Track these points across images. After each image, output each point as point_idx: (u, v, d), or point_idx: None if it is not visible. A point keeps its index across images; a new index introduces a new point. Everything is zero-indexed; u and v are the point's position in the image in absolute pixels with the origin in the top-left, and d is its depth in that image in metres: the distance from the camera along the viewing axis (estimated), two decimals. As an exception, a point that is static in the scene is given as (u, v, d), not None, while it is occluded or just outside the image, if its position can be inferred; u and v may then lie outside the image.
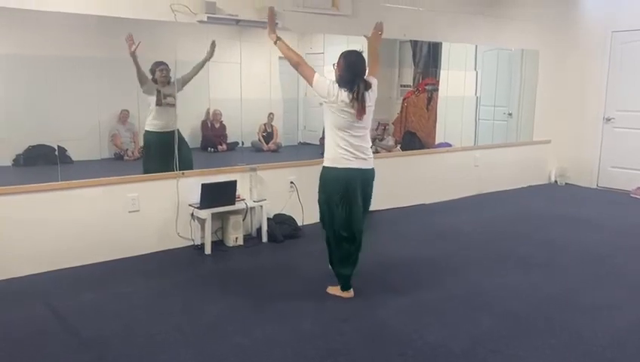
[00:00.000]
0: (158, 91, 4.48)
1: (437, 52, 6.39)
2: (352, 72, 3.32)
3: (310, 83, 3.41)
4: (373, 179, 3.49)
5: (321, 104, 3.44)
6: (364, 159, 3.39)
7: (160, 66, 4.46)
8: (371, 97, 3.39)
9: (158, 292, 3.63)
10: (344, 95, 3.29)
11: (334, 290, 3.59)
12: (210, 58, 4.62)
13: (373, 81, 3.45)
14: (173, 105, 4.51)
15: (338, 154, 3.34)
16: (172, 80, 4.50)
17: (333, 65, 3.47)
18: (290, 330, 3.09)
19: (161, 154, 4.50)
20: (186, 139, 4.69)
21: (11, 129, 4.00)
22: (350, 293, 3.55)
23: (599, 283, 3.88)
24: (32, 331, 3.05)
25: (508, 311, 3.37)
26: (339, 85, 3.33)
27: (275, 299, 3.51)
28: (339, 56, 3.44)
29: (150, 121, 4.54)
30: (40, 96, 4.04)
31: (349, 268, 3.52)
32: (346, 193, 3.36)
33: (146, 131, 4.57)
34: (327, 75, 5.36)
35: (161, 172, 4.44)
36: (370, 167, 3.45)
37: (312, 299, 3.50)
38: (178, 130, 4.53)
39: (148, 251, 4.35)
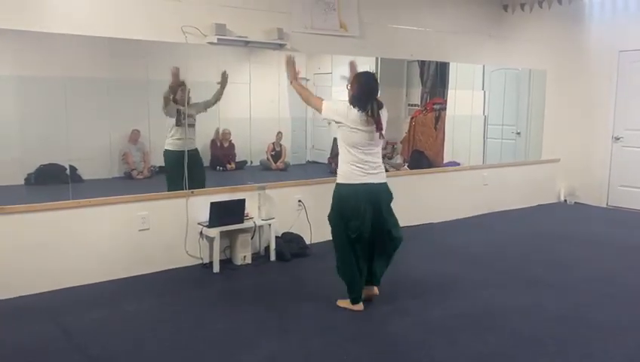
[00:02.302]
0: (178, 111, 4.55)
1: (444, 72, 6.43)
2: (365, 92, 3.43)
3: (320, 111, 3.53)
4: (386, 192, 3.57)
5: (329, 123, 3.51)
6: (376, 174, 3.49)
7: (182, 86, 4.54)
8: (384, 116, 3.49)
9: (166, 310, 3.63)
10: (354, 113, 3.39)
11: (344, 303, 3.63)
12: (224, 86, 4.74)
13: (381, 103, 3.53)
14: (193, 125, 4.64)
15: (351, 170, 3.44)
16: (191, 100, 4.59)
17: (347, 85, 3.56)
18: (297, 349, 3.08)
19: (180, 172, 4.55)
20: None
21: (23, 148, 4.06)
22: (360, 306, 3.59)
23: (610, 303, 3.83)
24: (41, 348, 3.06)
25: (517, 331, 3.34)
26: (352, 105, 3.43)
27: (282, 317, 3.51)
28: (353, 77, 3.55)
29: (169, 140, 4.62)
30: (52, 116, 4.11)
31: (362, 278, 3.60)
32: (359, 206, 3.43)
33: (166, 150, 4.64)
34: (335, 95, 5.47)
35: (181, 190, 4.50)
36: (383, 181, 3.53)
37: (319, 317, 3.49)
38: (196, 148, 4.70)
39: (157, 269, 4.37)
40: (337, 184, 3.54)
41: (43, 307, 3.65)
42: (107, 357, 2.97)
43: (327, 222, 3.64)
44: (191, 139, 4.66)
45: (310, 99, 3.64)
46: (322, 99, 3.56)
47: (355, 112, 3.40)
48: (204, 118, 4.76)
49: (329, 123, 3.54)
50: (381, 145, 3.58)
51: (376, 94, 3.48)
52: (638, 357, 3.05)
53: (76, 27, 3.93)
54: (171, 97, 4.52)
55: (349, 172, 3.46)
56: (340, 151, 3.54)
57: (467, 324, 3.43)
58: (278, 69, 5.07)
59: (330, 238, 3.69)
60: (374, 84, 3.50)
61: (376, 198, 3.50)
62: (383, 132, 3.46)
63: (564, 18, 7.20)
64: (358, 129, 3.40)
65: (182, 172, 4.53)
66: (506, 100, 7.10)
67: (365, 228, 3.47)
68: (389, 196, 3.60)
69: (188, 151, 4.58)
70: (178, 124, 4.56)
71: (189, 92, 4.54)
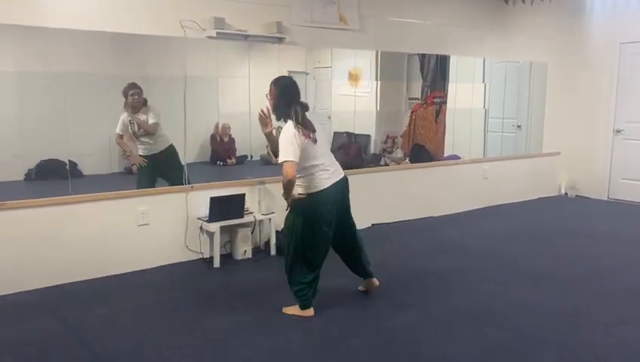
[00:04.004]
0: (130, 122, 4.40)
1: (445, 65, 6.41)
2: (286, 97, 3.29)
3: (295, 160, 3.21)
4: (347, 183, 3.51)
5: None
6: (335, 170, 3.42)
7: (132, 90, 4.30)
8: (313, 118, 3.37)
9: (167, 306, 3.63)
10: (297, 132, 3.21)
11: (292, 310, 3.47)
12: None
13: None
14: (152, 134, 4.46)
15: (317, 178, 3.32)
16: (147, 103, 4.39)
17: (266, 95, 3.39)
18: (299, 344, 3.08)
19: (152, 174, 4.55)
20: (196, 153, 4.74)
21: (24, 144, 4.05)
22: (312, 311, 3.44)
23: (611, 298, 3.83)
24: (42, 345, 3.06)
25: (518, 326, 3.33)
26: (277, 116, 3.33)
27: (283, 312, 3.50)
28: (270, 85, 3.37)
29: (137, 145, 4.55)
30: (51, 111, 4.10)
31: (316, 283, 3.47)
32: (330, 209, 3.36)
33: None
34: (335, 89, 5.44)
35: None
36: (342, 175, 3.47)
37: (320, 312, 3.48)
38: (172, 144, 4.55)
39: (157, 264, 4.37)
40: (306, 195, 3.33)
41: (43, 303, 3.65)
42: (109, 353, 2.97)
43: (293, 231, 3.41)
44: (157, 143, 4.53)
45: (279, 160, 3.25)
46: (285, 161, 3.18)
47: (294, 129, 3.21)
48: (203, 113, 4.75)
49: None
50: (328, 144, 3.44)
51: (299, 97, 3.33)
52: (639, 352, 3.05)
53: (75, 22, 3.92)
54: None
55: (314, 180, 3.31)
56: (297, 168, 3.24)
57: (468, 319, 3.43)
58: (277, 63, 5.05)
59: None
60: (294, 87, 3.35)
61: (343, 194, 3.48)
62: (315, 135, 3.28)
63: (564, 10, 7.17)
64: (302, 142, 3.21)
65: (148, 175, 4.51)
66: (506, 93, 7.08)
67: (332, 228, 3.42)
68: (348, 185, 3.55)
69: (155, 153, 4.53)
70: (135, 136, 4.45)
71: (141, 96, 4.34)
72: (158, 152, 4.56)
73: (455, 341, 3.13)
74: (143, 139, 4.50)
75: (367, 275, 3.77)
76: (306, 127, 3.25)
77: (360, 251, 3.70)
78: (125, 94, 4.32)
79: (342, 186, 3.46)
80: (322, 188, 3.34)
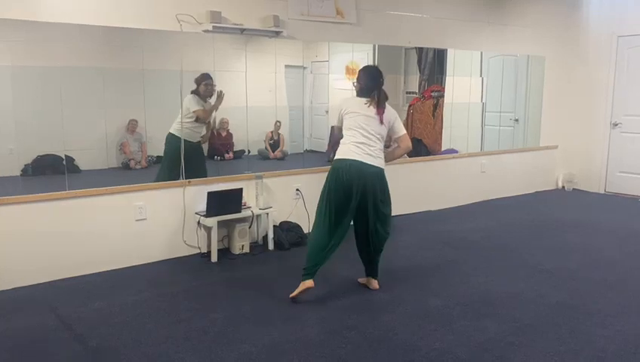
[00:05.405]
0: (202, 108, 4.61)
1: (442, 59, 6.39)
2: (372, 83, 3.64)
3: (341, 127, 3.71)
4: (378, 176, 3.56)
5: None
6: (372, 157, 3.53)
7: (206, 80, 4.58)
8: (387, 113, 3.63)
9: (165, 300, 3.63)
10: (355, 100, 3.65)
11: (297, 290, 3.55)
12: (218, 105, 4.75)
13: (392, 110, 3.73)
14: (209, 121, 4.76)
15: (347, 149, 3.55)
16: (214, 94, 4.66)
17: (353, 83, 3.84)
18: (296, 338, 3.09)
19: (180, 161, 4.53)
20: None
21: (20, 139, 4.03)
22: (310, 283, 3.52)
23: (608, 290, 3.84)
24: (40, 340, 3.06)
25: (516, 318, 3.35)
26: (359, 96, 3.67)
27: (281, 306, 3.51)
28: (358, 71, 3.77)
29: (177, 125, 4.57)
30: (48, 106, 4.08)
31: (322, 257, 3.56)
32: (345, 180, 3.47)
33: (171, 135, 4.59)
34: (332, 83, 5.43)
35: (176, 179, 4.50)
36: (376, 165, 3.54)
37: (318, 306, 3.50)
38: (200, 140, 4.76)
39: (155, 259, 4.37)
40: (333, 160, 3.63)
41: (41, 298, 3.64)
42: (107, 347, 2.97)
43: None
44: (198, 132, 4.71)
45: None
46: (336, 128, 3.77)
47: (356, 99, 3.64)
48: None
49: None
50: (382, 135, 3.59)
51: (381, 84, 3.64)
52: (636, 344, 3.06)
53: (71, 16, 3.90)
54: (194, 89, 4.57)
55: (345, 149, 3.56)
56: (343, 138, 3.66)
57: (465, 312, 3.44)
58: (274, 57, 5.04)
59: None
60: (379, 75, 3.68)
61: (366, 179, 3.49)
62: (384, 116, 3.57)
63: (562, 4, 7.16)
64: (356, 112, 3.57)
65: (178, 160, 4.50)
66: (504, 87, 7.07)
67: (346, 204, 3.49)
68: (382, 182, 3.58)
69: (193, 142, 4.61)
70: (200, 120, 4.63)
71: (213, 86, 4.62)
72: (197, 141, 4.68)
73: (452, 334, 3.13)
74: (197, 127, 4.66)
75: (371, 274, 3.81)
76: (377, 106, 3.58)
77: (374, 254, 3.74)
78: (198, 83, 4.55)
79: (364, 171, 3.49)
80: (339, 157, 3.56)
